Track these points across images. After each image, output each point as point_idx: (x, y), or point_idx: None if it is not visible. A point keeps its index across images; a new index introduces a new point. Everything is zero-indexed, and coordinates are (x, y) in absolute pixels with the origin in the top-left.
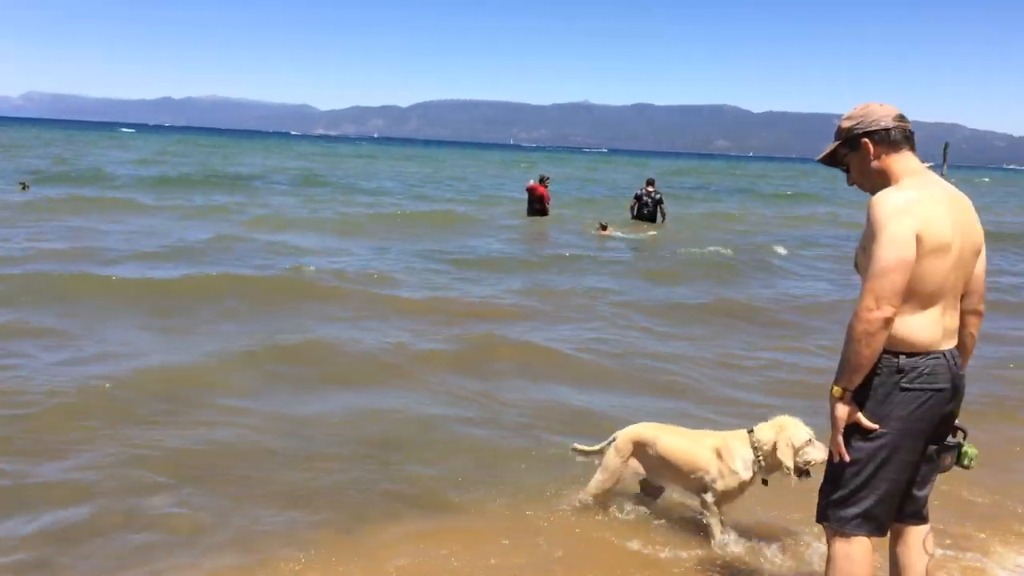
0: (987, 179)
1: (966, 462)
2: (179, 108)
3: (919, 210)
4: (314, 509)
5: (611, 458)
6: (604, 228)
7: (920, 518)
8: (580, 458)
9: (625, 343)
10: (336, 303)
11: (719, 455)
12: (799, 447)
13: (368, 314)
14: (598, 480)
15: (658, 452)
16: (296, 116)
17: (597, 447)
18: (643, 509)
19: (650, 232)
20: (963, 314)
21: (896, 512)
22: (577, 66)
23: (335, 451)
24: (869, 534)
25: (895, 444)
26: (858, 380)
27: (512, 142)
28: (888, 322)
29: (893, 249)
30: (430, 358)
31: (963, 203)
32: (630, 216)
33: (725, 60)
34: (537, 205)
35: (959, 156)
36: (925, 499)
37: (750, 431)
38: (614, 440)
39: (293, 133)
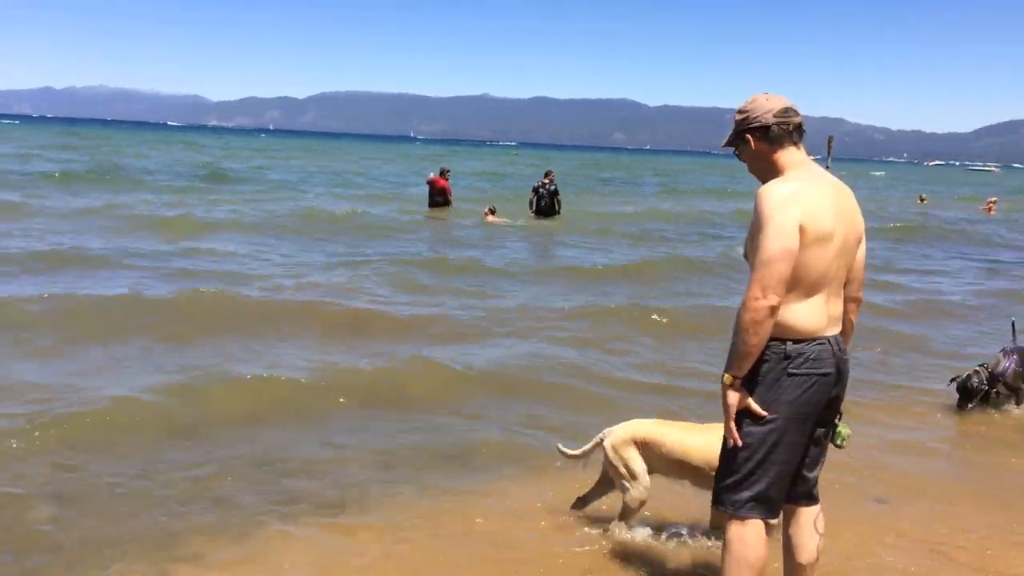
0: (880, 172)
1: (839, 441)
2: (60, 99)
3: (803, 201)
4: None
5: (636, 464)
6: (491, 212)
7: (811, 498)
8: (565, 461)
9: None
10: (267, 323)
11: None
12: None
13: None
14: (637, 494)
15: (669, 451)
16: (186, 107)
17: (580, 451)
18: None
19: (543, 223)
20: (844, 301)
21: (788, 494)
22: (476, 59)
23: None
24: (762, 516)
25: (784, 428)
26: (747, 367)
27: (412, 134)
28: (773, 310)
29: (778, 239)
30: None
31: (845, 194)
32: (530, 210)
33: (622, 55)
34: (439, 197)
35: (843, 149)
36: (815, 480)
37: None
38: (600, 443)
39: (181, 125)
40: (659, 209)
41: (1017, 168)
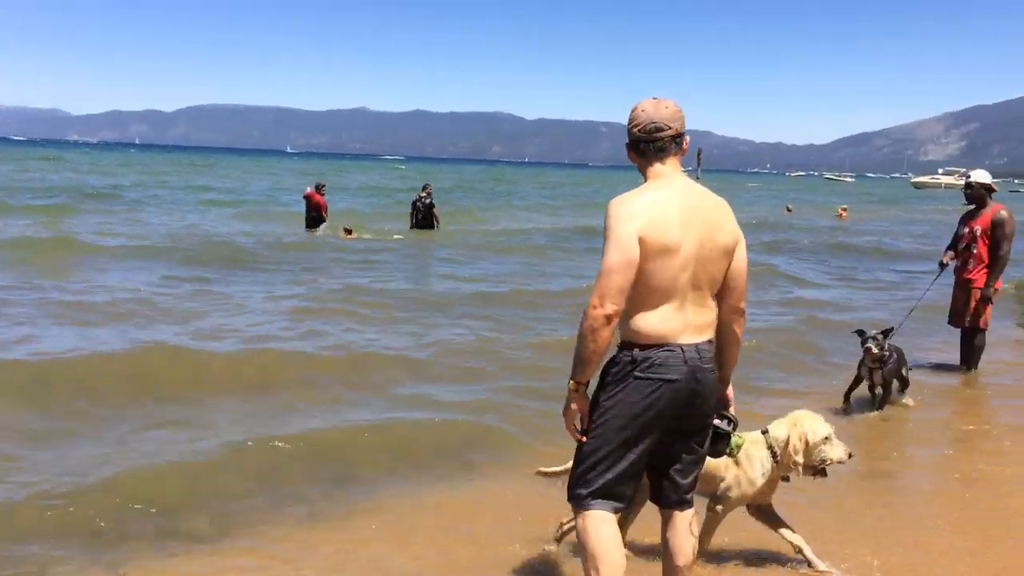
0: (755, 183)
1: (732, 451)
2: None
3: (647, 214)
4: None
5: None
6: (349, 232)
7: (685, 503)
8: (548, 480)
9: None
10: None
11: (736, 461)
12: (814, 443)
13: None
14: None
15: None
16: (45, 121)
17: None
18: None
19: (396, 236)
20: (726, 311)
21: (663, 499)
22: (353, 71)
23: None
24: (606, 509)
25: (627, 428)
26: (590, 373)
27: (288, 148)
28: (610, 319)
29: (616, 251)
30: None
31: (707, 205)
32: (410, 224)
33: (499, 69)
34: (313, 212)
35: (711, 161)
36: (688, 486)
37: (764, 431)
38: None
39: (39, 139)
40: (541, 221)
41: (871, 177)
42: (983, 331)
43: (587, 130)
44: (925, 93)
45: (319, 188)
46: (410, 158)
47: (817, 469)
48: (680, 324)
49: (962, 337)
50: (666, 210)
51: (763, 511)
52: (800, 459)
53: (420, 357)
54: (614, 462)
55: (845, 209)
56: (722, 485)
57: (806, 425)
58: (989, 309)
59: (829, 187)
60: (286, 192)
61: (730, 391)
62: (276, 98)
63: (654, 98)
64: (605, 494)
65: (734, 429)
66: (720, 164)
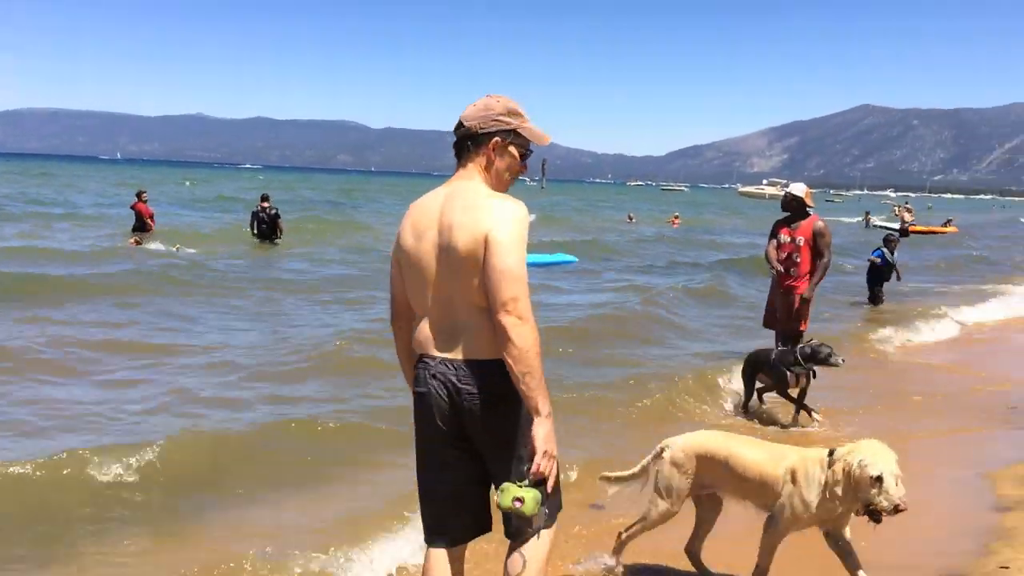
0: (598, 194)
1: (515, 509)
2: None
3: (403, 224)
4: None
5: (673, 478)
6: (137, 242)
7: (512, 535)
8: (611, 489)
9: None
10: None
11: (793, 478)
12: (859, 479)
13: None
14: (662, 508)
15: (731, 466)
16: None
17: (633, 470)
18: None
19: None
20: (495, 324)
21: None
22: (190, 76)
23: None
24: (430, 544)
25: (417, 447)
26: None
27: (120, 156)
28: (394, 331)
29: (391, 265)
30: None
31: (459, 207)
32: (252, 234)
33: (344, 76)
34: (140, 222)
35: (556, 171)
36: (505, 517)
37: (831, 452)
38: (662, 454)
39: None
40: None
41: (703, 187)
42: (803, 332)
43: (434, 139)
44: (750, 109)
45: (140, 196)
46: (254, 167)
47: (868, 510)
48: (428, 336)
49: (783, 339)
50: (414, 217)
51: (834, 540)
52: (839, 492)
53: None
54: (422, 491)
55: (677, 216)
56: (777, 503)
57: (857, 456)
58: (808, 312)
59: (664, 196)
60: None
61: (537, 432)
62: (103, 103)
63: (488, 96)
64: (424, 528)
65: (523, 482)
66: (564, 175)
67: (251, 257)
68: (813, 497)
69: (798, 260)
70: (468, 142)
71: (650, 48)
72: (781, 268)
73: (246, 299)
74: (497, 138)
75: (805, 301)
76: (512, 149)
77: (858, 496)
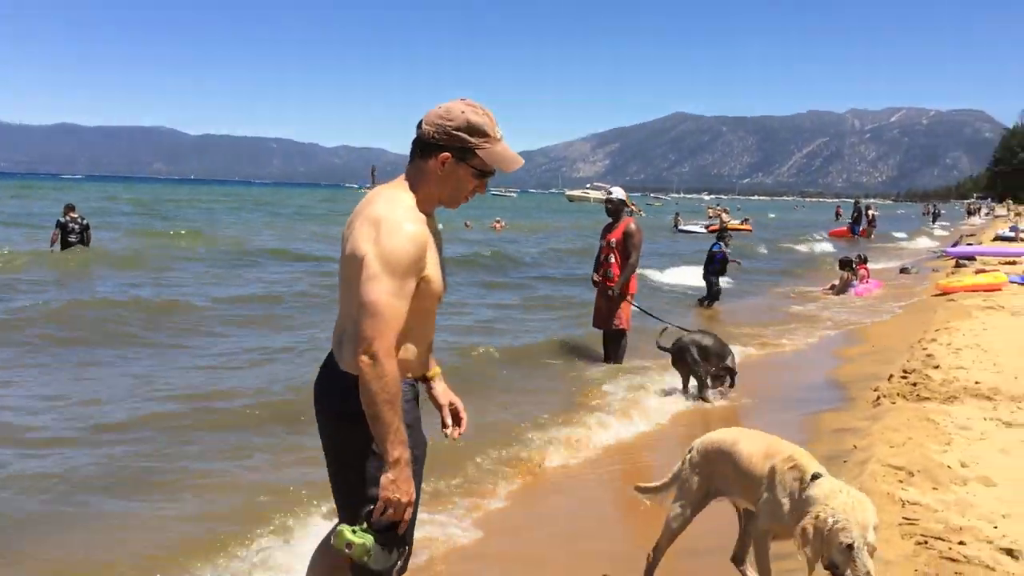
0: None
1: (343, 549)
2: None
3: None
4: None
5: (686, 476)
6: None
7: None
8: (647, 499)
9: None
10: None
11: (771, 477)
12: (828, 539)
13: None
14: (675, 513)
15: (734, 462)
16: None
17: (665, 479)
18: None
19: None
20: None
21: None
22: None
23: None
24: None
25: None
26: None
27: None
28: None
29: None
30: None
31: (357, 217)
32: (49, 246)
33: (155, 81)
34: None
35: (385, 176)
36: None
37: (815, 476)
38: (690, 453)
39: None
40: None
41: (532, 192)
42: (626, 331)
43: (257, 147)
44: (575, 116)
45: None
46: (70, 176)
47: (830, 568)
48: (334, 335)
49: (607, 337)
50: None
51: (747, 523)
52: (802, 545)
53: None
54: None
55: (499, 221)
56: (759, 502)
57: (833, 514)
58: (628, 310)
59: (495, 202)
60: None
61: (384, 479)
62: None
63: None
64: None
65: (360, 526)
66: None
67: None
68: (785, 511)
69: (612, 261)
70: (417, 144)
71: (480, 55)
72: (597, 277)
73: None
74: (447, 154)
75: (612, 299)
76: (463, 170)
77: (823, 551)
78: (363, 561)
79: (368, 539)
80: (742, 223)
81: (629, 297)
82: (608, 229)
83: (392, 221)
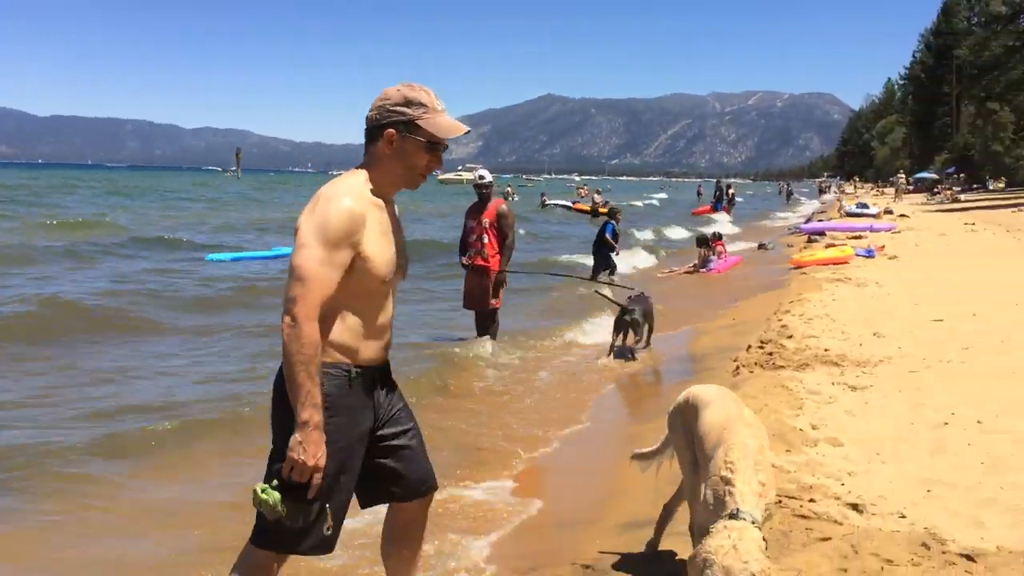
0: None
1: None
2: None
3: None
4: None
5: (673, 438)
6: None
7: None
8: (642, 468)
9: None
10: None
11: (707, 467)
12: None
13: None
14: (685, 474)
15: (696, 421)
16: None
17: (657, 445)
18: None
19: None
20: None
21: None
22: None
23: None
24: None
25: None
26: None
27: None
28: None
29: None
30: None
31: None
32: None
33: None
34: None
35: (251, 160)
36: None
37: (732, 515)
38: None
39: None
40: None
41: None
42: (496, 309)
43: (110, 128)
44: (445, 97)
45: None
46: None
47: None
48: None
49: (479, 317)
50: None
51: (672, 505)
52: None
53: None
54: None
55: None
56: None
57: (714, 556)
58: (502, 291)
59: None
60: None
61: (292, 438)
62: None
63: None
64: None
65: (271, 481)
66: (261, 164)
67: None
68: (700, 504)
69: (486, 241)
70: (367, 136)
71: (350, 36)
72: (465, 262)
73: None
74: (391, 130)
75: (488, 279)
76: (411, 143)
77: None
78: (271, 515)
79: (274, 496)
80: (604, 205)
81: (504, 277)
82: (478, 210)
83: (329, 195)
